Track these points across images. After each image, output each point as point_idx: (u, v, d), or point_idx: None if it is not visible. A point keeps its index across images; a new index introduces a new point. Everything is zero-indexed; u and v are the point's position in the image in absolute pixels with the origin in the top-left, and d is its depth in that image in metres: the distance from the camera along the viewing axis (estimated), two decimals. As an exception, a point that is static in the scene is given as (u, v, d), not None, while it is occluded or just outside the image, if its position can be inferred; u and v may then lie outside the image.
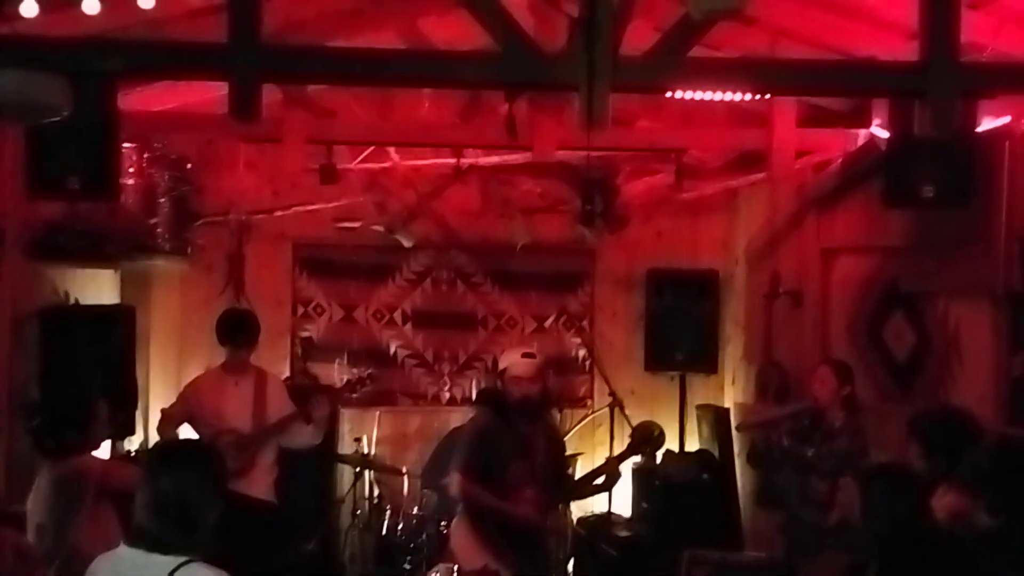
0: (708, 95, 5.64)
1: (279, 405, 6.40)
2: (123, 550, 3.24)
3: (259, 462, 6.30)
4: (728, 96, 5.80)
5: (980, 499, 3.58)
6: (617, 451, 6.25)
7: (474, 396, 8.07)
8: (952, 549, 2.88)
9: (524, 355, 5.79)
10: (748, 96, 6.05)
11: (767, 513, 7.13)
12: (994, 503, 3.53)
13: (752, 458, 6.84)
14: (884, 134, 5.60)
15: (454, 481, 5.87)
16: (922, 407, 4.69)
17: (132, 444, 7.31)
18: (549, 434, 5.87)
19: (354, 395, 6.99)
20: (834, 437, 5.78)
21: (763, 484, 6.80)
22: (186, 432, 6.33)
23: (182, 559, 3.13)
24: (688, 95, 5.60)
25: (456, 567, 6.54)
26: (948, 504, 3.93)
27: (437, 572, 6.66)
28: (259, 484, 6.31)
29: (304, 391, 7.40)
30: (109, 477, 4.57)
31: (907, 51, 4.99)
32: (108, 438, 5.32)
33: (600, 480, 6.13)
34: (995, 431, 4.48)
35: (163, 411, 6.62)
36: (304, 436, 6.39)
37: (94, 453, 4.87)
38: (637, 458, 7.94)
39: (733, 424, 8.06)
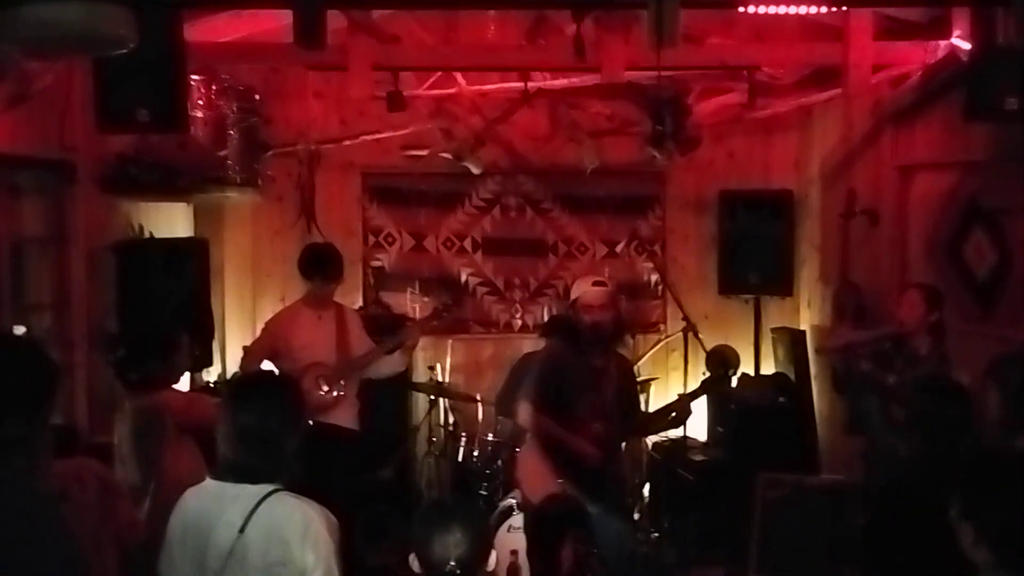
0: (781, 8, 5.45)
1: (359, 338, 6.49)
2: (210, 483, 3.29)
3: (347, 393, 6.39)
4: (802, 9, 5.61)
5: None
6: (691, 376, 6.20)
7: (544, 324, 8.04)
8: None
9: (595, 283, 5.74)
10: (823, 8, 5.89)
11: (845, 437, 7.06)
12: None
13: (836, 383, 6.73)
14: (965, 45, 5.43)
15: (522, 410, 5.87)
16: (1002, 352, 4.49)
17: (210, 375, 7.41)
18: (622, 367, 5.80)
19: (438, 322, 7.05)
20: (918, 364, 5.66)
21: (848, 410, 6.70)
22: (268, 367, 6.40)
23: (269, 488, 3.17)
24: (760, 9, 5.42)
25: (517, 492, 6.61)
26: None
27: (513, 497, 6.73)
28: (346, 415, 6.43)
29: (381, 320, 7.46)
30: (190, 412, 4.63)
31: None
32: (189, 370, 5.38)
33: (671, 417, 6.09)
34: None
35: (246, 348, 6.71)
36: (391, 365, 6.48)
37: (175, 386, 4.94)
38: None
39: (810, 347, 7.97)
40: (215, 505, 3.18)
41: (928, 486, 2.99)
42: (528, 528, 5.76)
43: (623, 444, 6.14)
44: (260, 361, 6.39)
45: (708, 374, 7.61)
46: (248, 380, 4.51)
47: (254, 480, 3.18)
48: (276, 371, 6.24)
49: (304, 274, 6.47)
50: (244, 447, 3.21)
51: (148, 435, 4.41)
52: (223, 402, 3.42)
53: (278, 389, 3.46)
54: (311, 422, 6.19)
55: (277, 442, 3.24)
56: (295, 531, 3.13)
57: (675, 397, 5.98)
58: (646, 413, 5.78)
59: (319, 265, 6.43)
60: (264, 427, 3.22)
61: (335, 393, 6.29)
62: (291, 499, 3.19)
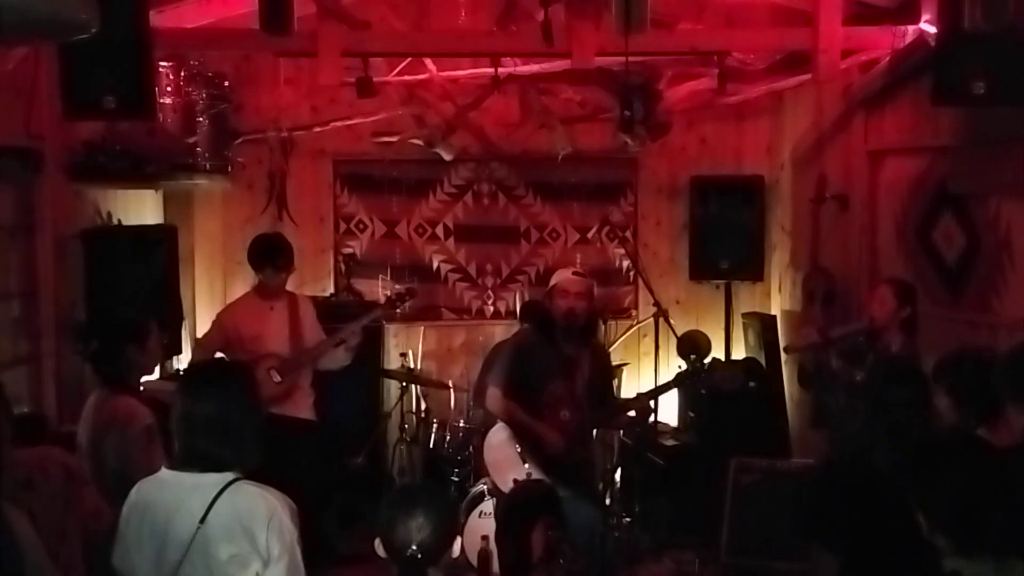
0: (751, -6, 5.49)
1: (312, 328, 6.47)
2: (166, 474, 3.26)
3: (301, 384, 6.39)
4: (771, -6, 5.64)
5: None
6: (663, 361, 6.20)
7: (517, 309, 8.04)
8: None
9: (575, 273, 5.76)
10: (792, -7, 5.91)
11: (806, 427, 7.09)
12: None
13: (802, 379, 6.75)
14: (933, 30, 5.44)
15: (490, 396, 5.88)
16: (942, 357, 4.44)
17: (180, 363, 7.37)
18: (596, 357, 5.81)
19: (398, 311, 7.00)
20: (888, 360, 5.67)
21: (814, 405, 6.72)
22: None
23: (229, 477, 3.15)
24: (730, -6, 5.44)
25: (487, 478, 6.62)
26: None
27: (484, 483, 6.74)
28: (301, 405, 6.42)
29: (351, 307, 7.44)
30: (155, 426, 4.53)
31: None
32: (162, 357, 5.34)
33: (632, 414, 6.09)
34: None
35: (197, 340, 6.68)
36: (335, 360, 6.44)
37: (149, 376, 4.89)
38: (683, 366, 7.94)
39: (780, 332, 8.00)
40: (173, 495, 3.15)
41: (879, 468, 2.98)
42: (498, 514, 5.78)
43: (594, 432, 6.14)
44: (212, 353, 6.34)
45: (682, 367, 7.63)
46: (204, 368, 4.45)
47: (214, 468, 3.15)
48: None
49: (253, 265, 6.43)
50: (203, 436, 3.19)
51: (111, 437, 4.35)
52: (178, 391, 3.39)
53: (235, 376, 3.45)
54: (268, 414, 6.19)
55: (236, 430, 3.22)
56: (259, 520, 3.11)
57: (646, 387, 5.95)
58: (616, 403, 5.76)
59: (268, 255, 6.38)
60: (223, 415, 3.20)
61: (285, 386, 6.27)
62: (252, 488, 3.17)
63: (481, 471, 6.95)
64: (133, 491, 3.33)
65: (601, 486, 6.42)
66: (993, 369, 3.67)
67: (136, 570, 3.25)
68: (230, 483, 3.13)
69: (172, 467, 3.25)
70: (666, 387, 5.99)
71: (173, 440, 3.29)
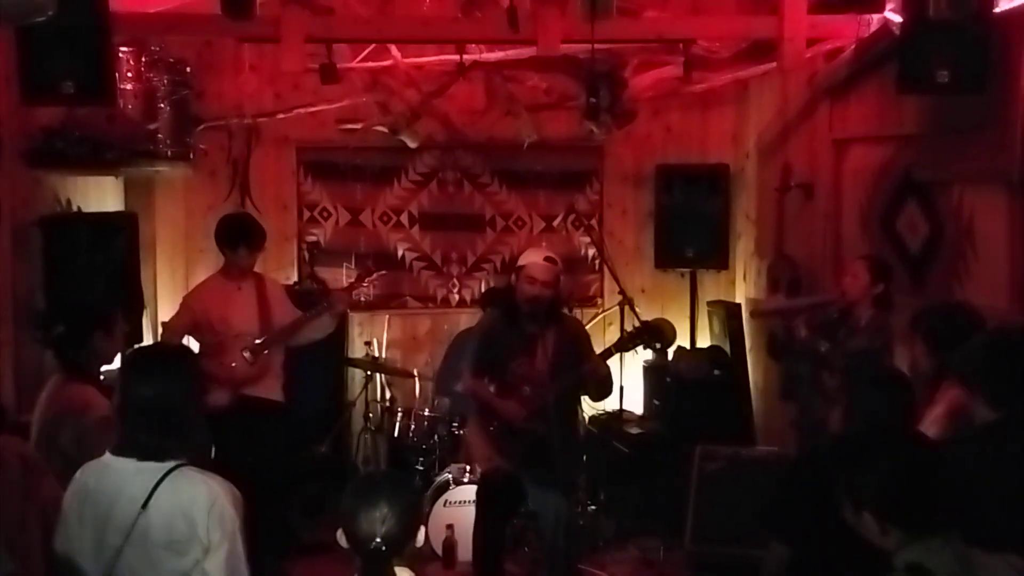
0: (716, -18, 5.48)
1: (282, 307, 6.45)
2: (109, 459, 3.21)
3: (271, 365, 6.36)
4: (737, -18, 5.64)
5: (980, 393, 3.51)
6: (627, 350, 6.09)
7: (482, 295, 8.01)
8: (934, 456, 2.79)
9: (546, 258, 5.73)
10: (757, -18, 5.90)
11: (780, 408, 7.12)
12: (995, 396, 3.46)
13: (771, 349, 6.77)
14: (898, 18, 5.45)
15: (463, 379, 5.91)
16: (925, 304, 4.58)
17: (141, 351, 7.29)
18: (564, 331, 5.76)
19: (362, 294, 6.98)
20: (856, 334, 5.72)
21: (783, 375, 6.76)
22: (188, 343, 6.32)
23: (171, 464, 3.10)
24: (695, -18, 5.43)
25: (467, 467, 6.61)
26: (950, 399, 3.87)
27: (449, 472, 6.73)
28: (272, 387, 6.42)
29: (313, 296, 7.40)
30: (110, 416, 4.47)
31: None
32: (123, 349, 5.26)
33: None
34: (994, 322, 4.37)
35: (165, 324, 6.62)
36: (319, 328, 6.42)
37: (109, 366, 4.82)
38: (649, 356, 7.95)
39: (745, 320, 8.02)
40: (115, 480, 3.11)
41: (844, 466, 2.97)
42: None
43: (574, 409, 6.05)
44: (181, 336, 6.32)
45: (648, 357, 7.64)
46: (145, 352, 4.35)
47: (152, 457, 3.10)
48: (188, 344, 6.17)
49: (220, 246, 6.40)
50: (143, 422, 3.14)
51: (71, 426, 4.29)
52: (120, 375, 3.34)
53: (177, 360, 3.38)
54: (238, 395, 6.16)
55: (177, 416, 3.17)
56: (200, 507, 3.07)
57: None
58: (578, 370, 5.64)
59: (236, 236, 6.35)
60: (163, 400, 3.15)
61: (256, 367, 6.25)
62: (195, 474, 3.13)
63: (454, 458, 6.96)
64: (77, 474, 3.28)
65: (576, 472, 6.35)
66: (960, 348, 3.69)
67: (77, 554, 3.21)
68: (172, 469, 3.09)
69: (116, 452, 3.20)
70: (623, 345, 5.84)
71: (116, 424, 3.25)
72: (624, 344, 5.68)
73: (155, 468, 3.09)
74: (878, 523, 2.67)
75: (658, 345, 5.75)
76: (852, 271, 5.87)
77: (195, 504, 3.08)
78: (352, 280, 6.95)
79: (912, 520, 2.65)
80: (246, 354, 6.24)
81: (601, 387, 5.85)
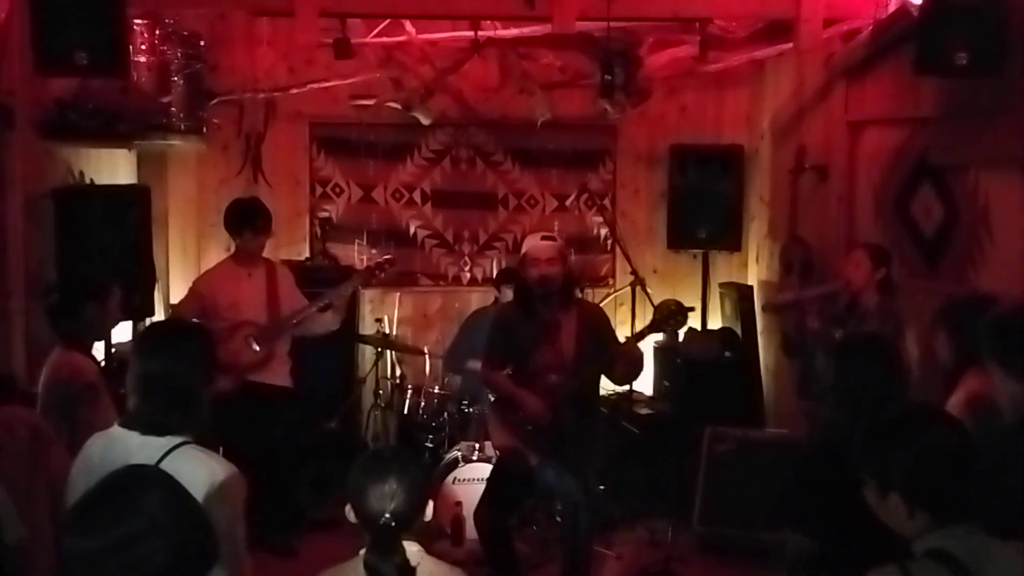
0: (733, -40, 5.44)
1: (290, 295, 6.46)
2: (116, 430, 3.20)
3: (277, 352, 6.38)
4: (754, -39, 5.60)
5: (1004, 368, 3.47)
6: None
7: (494, 276, 7.99)
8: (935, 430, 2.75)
9: (544, 238, 5.70)
10: (775, -39, 5.87)
11: (790, 392, 7.08)
12: (1019, 369, 3.42)
13: (786, 347, 6.73)
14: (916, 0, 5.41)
15: (482, 370, 5.86)
16: (950, 294, 4.54)
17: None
18: (584, 316, 5.67)
19: (373, 280, 6.96)
20: (865, 320, 5.72)
21: (801, 373, 6.70)
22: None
23: (176, 440, 3.09)
24: (713, -39, 5.39)
25: (477, 445, 6.61)
26: (969, 387, 3.84)
27: (458, 450, 6.73)
28: (278, 373, 6.43)
29: (326, 272, 7.40)
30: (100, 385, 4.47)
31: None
32: (121, 320, 5.26)
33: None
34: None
35: (173, 307, 6.64)
36: (322, 324, 6.43)
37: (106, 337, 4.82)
38: (659, 336, 7.93)
39: (758, 303, 8.00)
40: (120, 453, 3.09)
41: (846, 450, 2.94)
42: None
43: (595, 393, 6.02)
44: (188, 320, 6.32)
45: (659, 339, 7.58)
46: (158, 328, 4.36)
47: (159, 432, 3.10)
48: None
49: (232, 229, 6.41)
50: (150, 396, 3.13)
51: (59, 393, 4.29)
52: (132, 349, 3.33)
53: (188, 338, 3.36)
54: (244, 381, 6.17)
55: (184, 393, 3.16)
56: (200, 487, 3.05)
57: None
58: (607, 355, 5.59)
59: (245, 220, 6.37)
60: (171, 376, 3.13)
61: (263, 353, 6.24)
62: (199, 453, 3.11)
63: (463, 436, 6.95)
64: (87, 443, 3.27)
65: (596, 455, 6.31)
66: (981, 322, 3.65)
67: None
68: (177, 446, 3.08)
69: (123, 424, 3.20)
70: (649, 329, 5.81)
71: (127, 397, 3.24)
72: (658, 326, 5.62)
73: (159, 443, 3.08)
74: (906, 506, 2.62)
75: (671, 325, 5.69)
76: (854, 260, 5.88)
77: (194, 483, 3.05)
78: (368, 266, 6.88)
79: (942, 504, 2.61)
80: (252, 341, 6.24)
81: (631, 370, 5.82)
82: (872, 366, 3.79)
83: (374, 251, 8.01)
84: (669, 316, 5.57)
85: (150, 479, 2.18)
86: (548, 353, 5.55)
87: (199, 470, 3.04)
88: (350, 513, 2.87)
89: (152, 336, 3.57)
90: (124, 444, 3.13)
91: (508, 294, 6.60)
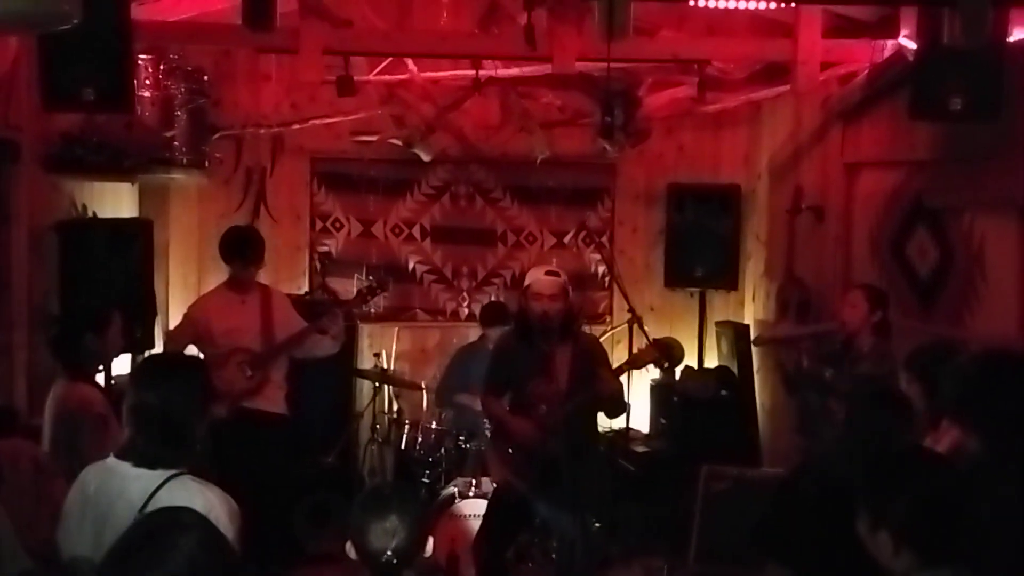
0: (732, 3, 5.52)
1: (286, 320, 6.44)
2: (112, 462, 3.23)
3: (272, 378, 6.37)
4: (752, 5, 5.68)
5: (968, 427, 3.46)
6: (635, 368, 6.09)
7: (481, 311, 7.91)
8: (938, 476, 2.75)
9: (547, 272, 5.74)
10: (773, 5, 5.94)
11: (787, 431, 7.11)
12: (981, 429, 3.39)
13: (786, 383, 6.75)
14: (912, 44, 5.47)
15: (481, 398, 5.89)
16: (918, 344, 4.56)
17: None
18: (581, 348, 5.69)
19: (366, 306, 6.98)
20: (860, 361, 5.74)
21: (797, 410, 6.73)
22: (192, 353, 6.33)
23: (171, 472, 3.12)
24: (712, 3, 5.48)
25: (473, 481, 6.62)
26: (950, 440, 3.85)
27: (455, 486, 6.74)
28: (273, 399, 6.41)
29: (321, 306, 7.42)
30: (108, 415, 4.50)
31: (938, -42, 4.84)
32: (123, 351, 5.30)
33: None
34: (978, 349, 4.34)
35: (168, 333, 6.64)
36: (322, 347, 6.43)
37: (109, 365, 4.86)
38: (656, 374, 7.97)
39: (753, 337, 8.03)
40: (116, 483, 3.12)
41: (848, 483, 2.96)
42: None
43: (591, 426, 6.03)
44: (182, 346, 6.33)
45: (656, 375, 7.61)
46: (154, 360, 4.38)
47: (152, 465, 3.12)
48: (195, 354, 6.17)
49: (224, 258, 6.42)
50: (146, 429, 3.15)
51: (66, 424, 4.32)
52: (128, 381, 3.36)
53: (184, 370, 3.40)
54: (238, 407, 6.17)
55: (179, 426, 3.19)
56: None
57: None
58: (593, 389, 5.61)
59: (239, 248, 6.37)
60: (166, 409, 3.16)
61: (256, 380, 6.26)
62: (193, 483, 3.14)
63: (460, 472, 6.96)
64: (82, 474, 3.30)
65: (592, 491, 6.32)
66: (946, 373, 3.67)
67: (75, 549, 3.24)
68: (172, 476, 3.11)
69: (119, 456, 3.22)
70: (635, 362, 5.84)
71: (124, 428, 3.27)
72: (636, 362, 5.68)
73: (154, 474, 3.11)
74: (894, 543, 2.66)
75: (666, 364, 5.72)
76: (851, 301, 5.91)
77: None
78: (359, 291, 6.90)
79: (930, 545, 2.64)
80: (245, 367, 6.25)
81: (614, 404, 5.84)
82: (891, 417, 3.80)
83: (370, 278, 8.04)
84: (649, 353, 5.62)
85: (187, 521, 2.21)
86: (542, 384, 5.59)
87: (195, 500, 3.07)
88: (351, 550, 2.90)
89: (148, 368, 3.60)
90: (119, 475, 3.16)
91: (492, 335, 6.70)
